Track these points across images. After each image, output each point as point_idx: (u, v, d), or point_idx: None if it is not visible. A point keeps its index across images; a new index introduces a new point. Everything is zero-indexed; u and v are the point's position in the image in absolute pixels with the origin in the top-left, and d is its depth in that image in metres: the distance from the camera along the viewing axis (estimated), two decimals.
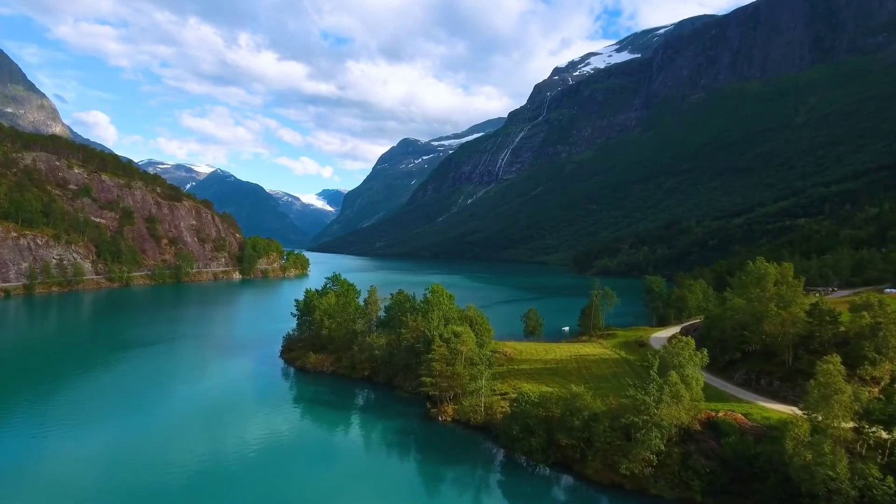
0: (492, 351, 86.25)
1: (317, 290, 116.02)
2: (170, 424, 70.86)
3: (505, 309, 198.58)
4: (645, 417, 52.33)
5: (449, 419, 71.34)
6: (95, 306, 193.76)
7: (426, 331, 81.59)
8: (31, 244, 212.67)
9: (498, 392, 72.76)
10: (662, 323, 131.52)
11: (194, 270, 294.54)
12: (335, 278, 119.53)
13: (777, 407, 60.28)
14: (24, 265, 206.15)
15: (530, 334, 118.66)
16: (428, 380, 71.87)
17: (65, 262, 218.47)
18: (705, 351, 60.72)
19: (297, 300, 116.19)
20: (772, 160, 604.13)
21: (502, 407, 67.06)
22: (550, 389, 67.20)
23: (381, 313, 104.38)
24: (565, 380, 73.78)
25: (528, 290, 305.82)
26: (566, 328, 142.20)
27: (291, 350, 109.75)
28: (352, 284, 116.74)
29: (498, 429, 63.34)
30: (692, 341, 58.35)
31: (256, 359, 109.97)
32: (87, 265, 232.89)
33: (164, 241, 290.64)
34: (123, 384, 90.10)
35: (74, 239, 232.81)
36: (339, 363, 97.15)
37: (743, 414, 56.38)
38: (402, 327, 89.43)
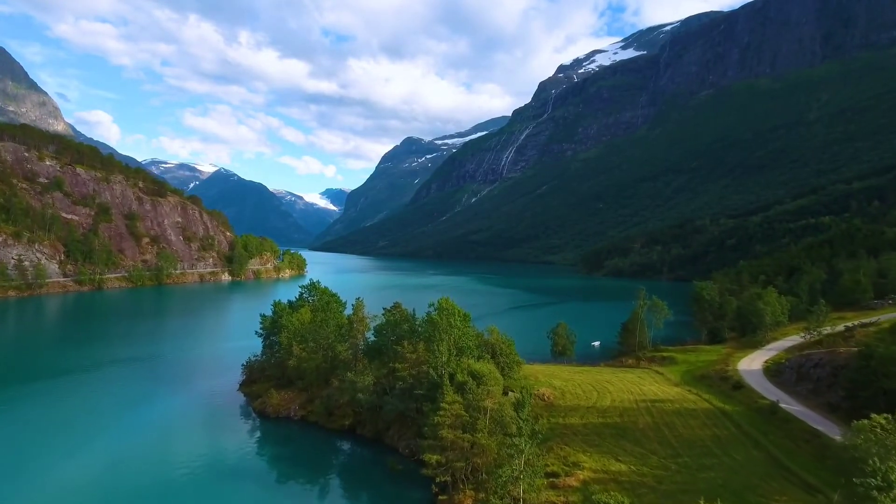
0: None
1: (290, 302, 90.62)
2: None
3: (520, 318, 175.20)
4: None
5: None
6: (46, 314, 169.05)
7: (430, 369, 57.46)
8: None
9: (542, 468, 45.15)
10: (716, 339, 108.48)
11: (178, 272, 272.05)
12: (313, 286, 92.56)
13: None
14: None
15: (560, 355, 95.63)
16: (433, 457, 46.20)
17: (26, 263, 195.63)
18: None
19: (262, 315, 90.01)
20: (784, 157, 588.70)
21: None
22: (625, 468, 44.28)
23: (371, 334, 77.93)
24: (640, 447, 50.10)
25: (538, 292, 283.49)
26: (596, 343, 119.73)
27: (253, 382, 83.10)
28: (334, 295, 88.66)
29: None
30: None
31: (209, 392, 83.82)
32: (54, 266, 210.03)
33: (146, 239, 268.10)
34: (16, 436, 64.35)
35: (39, 237, 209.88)
36: (312, 405, 70.52)
37: None
38: (396, 360, 63.80)
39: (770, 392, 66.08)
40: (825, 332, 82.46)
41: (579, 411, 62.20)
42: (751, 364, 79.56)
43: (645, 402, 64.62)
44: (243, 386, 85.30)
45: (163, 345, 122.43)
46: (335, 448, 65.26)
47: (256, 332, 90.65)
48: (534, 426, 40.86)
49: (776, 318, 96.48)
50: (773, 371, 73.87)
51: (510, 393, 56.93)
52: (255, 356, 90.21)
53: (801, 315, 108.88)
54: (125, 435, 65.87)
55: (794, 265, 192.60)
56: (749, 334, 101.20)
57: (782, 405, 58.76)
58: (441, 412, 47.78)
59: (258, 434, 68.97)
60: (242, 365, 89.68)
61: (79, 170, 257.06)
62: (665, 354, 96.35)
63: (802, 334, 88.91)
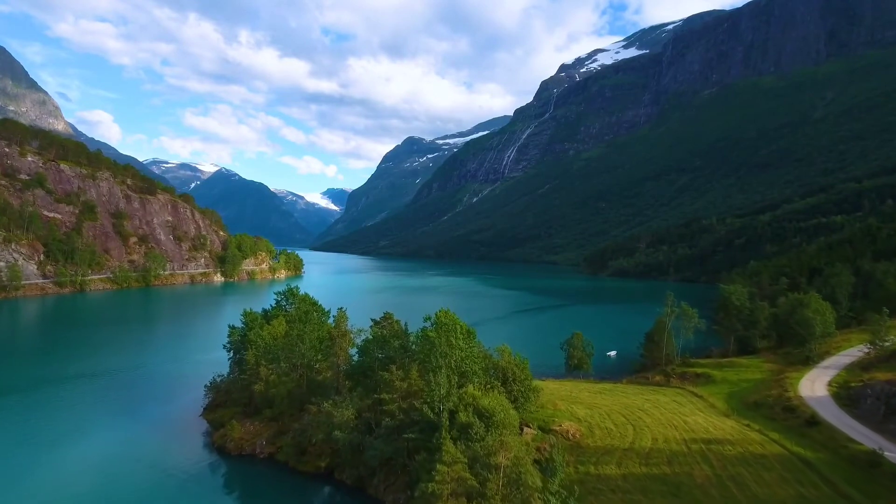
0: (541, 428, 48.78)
1: (264, 311, 77.77)
2: None
3: (525, 323, 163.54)
4: None
5: None
6: (13, 319, 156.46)
7: (425, 406, 44.85)
8: None
9: None
10: (747, 350, 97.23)
11: (167, 273, 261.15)
12: (290, 293, 77.69)
13: None
14: None
15: (575, 369, 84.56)
16: None
17: (1, 264, 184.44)
18: None
19: (230, 326, 76.51)
20: (789, 156, 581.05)
21: None
22: None
23: (354, 351, 62.87)
24: None
25: (542, 294, 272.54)
26: (612, 353, 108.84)
27: (217, 407, 69.66)
28: (315, 303, 73.64)
29: None
30: None
31: (166, 418, 70.32)
32: (32, 267, 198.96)
33: (133, 239, 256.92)
34: None
35: (17, 236, 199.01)
36: (281, 440, 57.11)
37: None
38: (382, 389, 50.27)
39: (854, 430, 52.65)
40: (887, 344, 71.04)
41: (614, 455, 48.60)
42: (813, 387, 65.67)
43: (697, 444, 50.87)
44: (207, 411, 71.46)
45: (129, 356, 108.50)
46: (307, 498, 52.19)
47: (224, 346, 77.36)
48: (567, 499, 29.71)
49: (826, 329, 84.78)
50: (846, 398, 59.88)
51: (525, 429, 45.84)
52: (220, 375, 76.32)
53: (844, 323, 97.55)
54: (49, 478, 53.39)
55: (815, 266, 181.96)
56: (790, 346, 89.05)
57: (887, 454, 45.60)
58: (437, 475, 35.23)
59: (216, 477, 55.80)
60: (206, 386, 75.26)
61: (63, 166, 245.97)
62: (698, 370, 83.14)
63: (868, 346, 76.69)
